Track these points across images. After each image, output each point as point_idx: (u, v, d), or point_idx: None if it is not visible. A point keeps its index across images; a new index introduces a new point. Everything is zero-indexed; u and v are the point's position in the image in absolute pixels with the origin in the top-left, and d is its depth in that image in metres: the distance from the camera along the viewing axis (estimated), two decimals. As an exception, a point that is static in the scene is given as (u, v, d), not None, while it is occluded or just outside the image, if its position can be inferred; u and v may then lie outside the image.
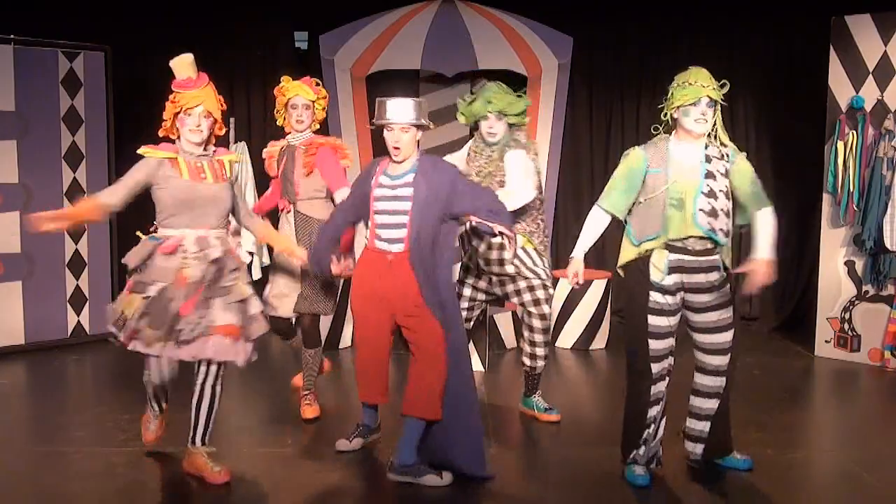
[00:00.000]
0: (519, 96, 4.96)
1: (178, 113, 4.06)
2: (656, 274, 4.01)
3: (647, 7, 7.74)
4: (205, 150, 4.12)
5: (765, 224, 4.04)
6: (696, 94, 3.94)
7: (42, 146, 6.57)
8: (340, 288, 5.17)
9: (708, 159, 4.00)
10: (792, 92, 7.50)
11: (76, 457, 4.36)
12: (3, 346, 6.44)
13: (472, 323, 5.16)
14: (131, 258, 4.01)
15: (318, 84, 5.02)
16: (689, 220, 3.94)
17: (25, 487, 4.11)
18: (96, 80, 6.79)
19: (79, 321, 6.81)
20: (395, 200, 4.08)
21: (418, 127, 4.11)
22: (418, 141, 4.18)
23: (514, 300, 5.03)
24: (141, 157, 4.06)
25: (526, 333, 5.05)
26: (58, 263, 6.69)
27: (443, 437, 4.14)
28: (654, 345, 4.03)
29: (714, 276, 4.03)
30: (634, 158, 4.04)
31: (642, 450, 4.13)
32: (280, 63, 7.57)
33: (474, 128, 5.07)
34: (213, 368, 4.05)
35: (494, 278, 5.01)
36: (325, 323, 6.70)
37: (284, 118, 5.00)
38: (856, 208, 6.31)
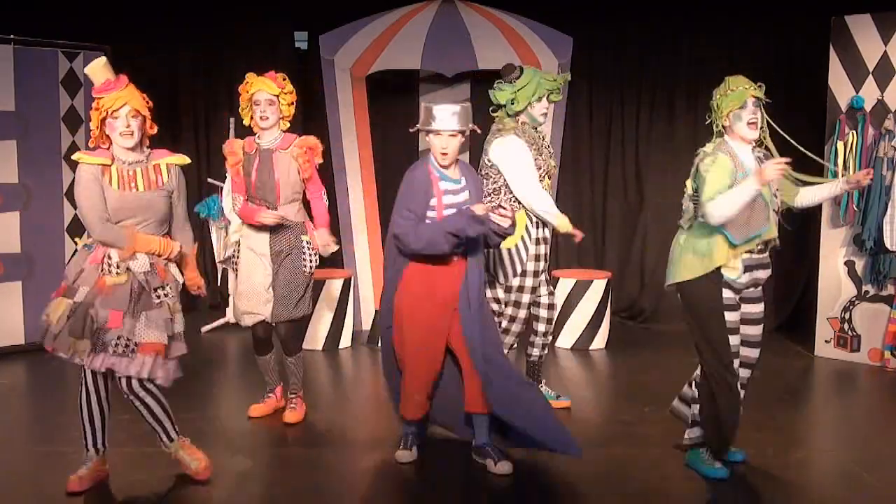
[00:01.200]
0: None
1: (105, 118, 3.88)
2: (732, 272, 4.07)
3: (647, 7, 7.74)
4: (140, 153, 3.94)
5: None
6: (741, 98, 4.02)
7: (42, 146, 6.57)
8: (311, 288, 5.05)
9: (760, 163, 4.08)
10: (792, 92, 7.49)
11: (76, 457, 4.34)
12: (3, 346, 6.44)
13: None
14: (70, 271, 3.93)
15: (284, 79, 4.86)
16: (773, 221, 4.08)
17: (25, 487, 4.11)
18: (96, 80, 6.78)
19: (79, 321, 6.80)
20: (457, 197, 4.17)
21: (463, 133, 4.16)
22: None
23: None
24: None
25: (533, 324, 5.12)
26: (58, 263, 6.67)
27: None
28: (733, 340, 4.11)
29: (769, 273, 4.18)
30: (726, 161, 4.00)
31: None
32: (280, 63, 7.57)
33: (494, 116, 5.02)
34: (135, 382, 3.91)
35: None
36: (324, 324, 6.71)
37: (251, 116, 4.85)
38: (856, 208, 6.31)
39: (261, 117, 4.79)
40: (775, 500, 4.05)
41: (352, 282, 6.97)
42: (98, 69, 3.95)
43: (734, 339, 4.11)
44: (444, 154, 4.12)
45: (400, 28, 7.15)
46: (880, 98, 6.29)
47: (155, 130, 4.05)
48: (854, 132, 6.32)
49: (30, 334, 6.56)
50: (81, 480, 3.99)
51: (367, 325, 7.21)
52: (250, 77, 4.87)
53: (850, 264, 6.49)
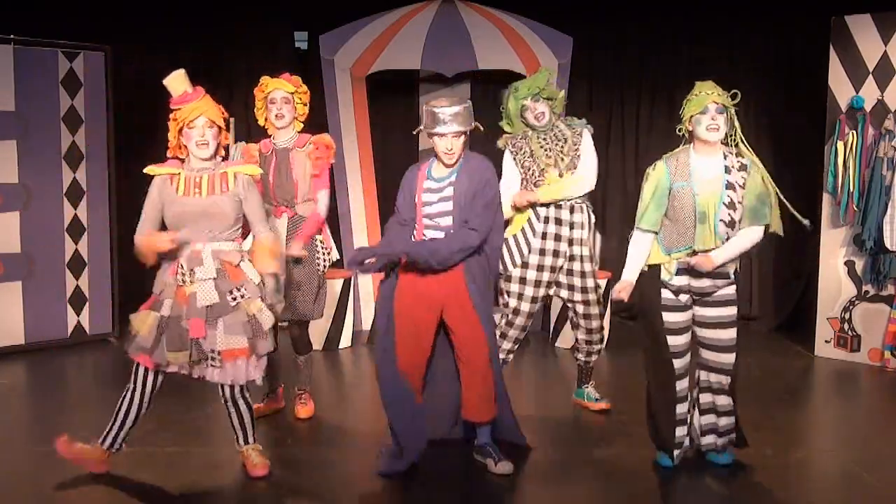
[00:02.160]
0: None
1: (182, 129, 4.00)
2: (665, 273, 4.15)
3: (647, 7, 7.74)
4: (211, 162, 4.04)
5: (740, 236, 4.10)
6: (701, 103, 4.08)
7: (42, 146, 6.56)
8: (324, 290, 5.05)
9: (727, 170, 4.10)
10: (792, 92, 7.50)
11: (76, 457, 4.36)
12: (3, 346, 6.43)
13: (530, 318, 5.11)
14: (157, 283, 4.05)
15: (299, 80, 4.93)
16: (711, 232, 4.05)
17: (25, 487, 4.11)
18: (96, 80, 6.78)
19: (79, 321, 6.81)
20: (441, 202, 4.15)
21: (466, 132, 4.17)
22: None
23: (568, 293, 5.07)
24: (148, 177, 4.09)
25: (581, 335, 5.16)
26: (58, 263, 6.69)
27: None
28: (673, 340, 4.15)
29: (720, 282, 4.13)
30: (659, 174, 4.16)
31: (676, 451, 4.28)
32: (280, 63, 7.57)
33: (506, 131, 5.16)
34: (230, 388, 4.09)
35: (564, 264, 5.02)
36: (324, 324, 6.71)
37: (265, 117, 4.88)
38: (856, 208, 6.31)
39: (276, 115, 4.83)
40: (775, 500, 4.05)
41: (352, 282, 6.97)
42: (176, 81, 4.04)
43: (677, 340, 4.15)
44: (449, 154, 4.13)
45: (400, 28, 7.15)
46: (880, 98, 6.29)
47: (229, 140, 4.17)
48: (854, 132, 6.32)
49: (30, 334, 6.56)
50: (71, 448, 4.07)
51: (367, 325, 7.21)
52: (266, 79, 4.91)
53: (850, 264, 6.49)
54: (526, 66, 6.96)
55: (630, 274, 4.22)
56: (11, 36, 6.41)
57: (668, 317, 4.15)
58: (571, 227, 4.97)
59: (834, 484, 4.35)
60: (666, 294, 4.15)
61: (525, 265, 4.99)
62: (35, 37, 6.57)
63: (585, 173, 4.99)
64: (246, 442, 4.22)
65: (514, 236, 4.98)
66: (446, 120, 4.07)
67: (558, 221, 4.98)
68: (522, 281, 4.98)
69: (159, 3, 7.58)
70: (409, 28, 7.13)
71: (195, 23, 7.68)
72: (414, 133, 4.44)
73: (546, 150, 5.02)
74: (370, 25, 7.22)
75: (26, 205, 6.50)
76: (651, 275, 4.18)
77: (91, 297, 6.84)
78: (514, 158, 5.06)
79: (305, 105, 4.93)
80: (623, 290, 4.17)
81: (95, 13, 7.39)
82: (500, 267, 4.96)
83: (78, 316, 6.81)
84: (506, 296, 5.03)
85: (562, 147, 5.00)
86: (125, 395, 4.11)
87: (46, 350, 6.58)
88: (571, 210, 4.97)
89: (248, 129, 7.78)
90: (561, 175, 4.96)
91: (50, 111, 6.60)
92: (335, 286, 6.70)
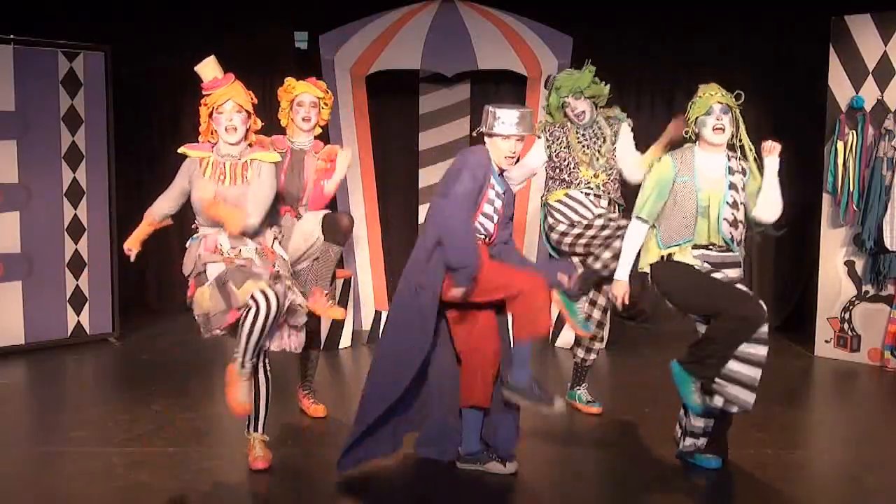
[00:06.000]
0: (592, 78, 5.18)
1: (212, 113, 4.09)
2: (685, 259, 4.13)
3: (647, 7, 7.74)
4: (238, 148, 4.12)
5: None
6: (706, 104, 4.12)
7: (42, 146, 6.56)
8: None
9: (731, 171, 4.16)
10: (792, 92, 7.50)
11: (76, 457, 4.36)
12: (3, 346, 6.43)
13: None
14: (186, 265, 4.08)
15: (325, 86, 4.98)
16: (713, 228, 4.10)
17: (25, 487, 4.11)
18: (96, 80, 6.78)
19: (78, 321, 6.80)
20: (498, 200, 4.13)
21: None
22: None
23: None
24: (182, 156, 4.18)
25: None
26: (58, 263, 6.69)
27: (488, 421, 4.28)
28: (742, 287, 4.09)
29: (735, 273, 4.16)
30: (664, 167, 4.18)
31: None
32: (280, 63, 7.57)
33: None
34: (261, 355, 4.11)
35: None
36: (324, 324, 6.71)
37: (290, 118, 4.89)
38: (856, 208, 6.31)
39: (303, 118, 4.85)
40: (775, 500, 4.05)
41: (352, 282, 6.97)
42: (207, 67, 4.12)
43: (743, 287, 4.11)
44: (511, 158, 4.04)
45: (400, 28, 7.16)
46: (880, 98, 6.29)
47: (259, 125, 4.26)
48: (854, 132, 6.32)
49: (30, 334, 6.56)
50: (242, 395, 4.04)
51: (367, 325, 7.21)
52: (292, 81, 4.92)
53: (850, 264, 6.49)
54: (526, 66, 6.96)
55: (623, 272, 4.26)
56: (11, 36, 6.41)
57: (716, 275, 4.09)
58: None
59: (834, 484, 4.35)
60: (698, 263, 4.10)
61: (572, 224, 4.98)
62: (35, 37, 6.57)
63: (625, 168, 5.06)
64: (256, 429, 4.23)
65: (560, 201, 5.03)
66: (513, 122, 3.99)
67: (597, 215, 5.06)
68: (579, 237, 4.99)
69: (159, 3, 7.58)
70: (409, 28, 7.13)
71: (195, 23, 7.68)
72: (474, 134, 4.28)
73: (584, 147, 5.04)
74: (370, 25, 7.22)
75: (26, 205, 6.50)
76: (667, 265, 4.14)
77: (91, 297, 6.84)
78: (549, 147, 5.09)
79: (329, 110, 4.97)
80: (620, 293, 4.24)
81: (95, 13, 7.39)
82: (561, 227, 4.99)
83: (78, 316, 6.81)
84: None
85: (599, 147, 5.05)
86: (249, 316, 3.87)
87: (46, 350, 6.58)
88: (609, 203, 5.08)
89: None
90: (596, 175, 5.01)
91: (50, 111, 6.60)
92: (335, 286, 6.70)
